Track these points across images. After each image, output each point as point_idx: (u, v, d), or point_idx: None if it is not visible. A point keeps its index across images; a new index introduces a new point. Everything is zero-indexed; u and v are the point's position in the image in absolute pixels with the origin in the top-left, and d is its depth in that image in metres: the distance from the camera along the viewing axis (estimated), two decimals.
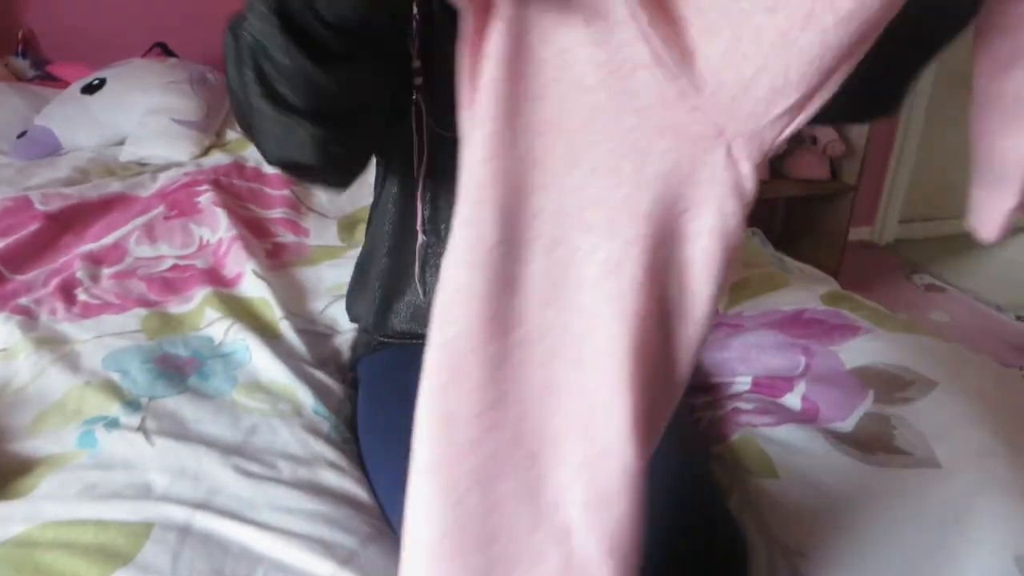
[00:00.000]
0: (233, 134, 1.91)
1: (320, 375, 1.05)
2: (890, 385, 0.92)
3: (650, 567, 0.58)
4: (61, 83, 2.07)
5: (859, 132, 2.85)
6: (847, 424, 0.90)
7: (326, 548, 0.76)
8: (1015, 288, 3.08)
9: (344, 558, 0.75)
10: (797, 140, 2.94)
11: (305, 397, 0.97)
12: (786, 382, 0.98)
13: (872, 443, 0.87)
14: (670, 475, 0.80)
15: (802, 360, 1.00)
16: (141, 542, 0.75)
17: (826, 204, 2.98)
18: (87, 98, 1.91)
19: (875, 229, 3.52)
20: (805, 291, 1.20)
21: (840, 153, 2.85)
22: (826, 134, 2.84)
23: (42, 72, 2.17)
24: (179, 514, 0.78)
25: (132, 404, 0.94)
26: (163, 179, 1.66)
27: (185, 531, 0.76)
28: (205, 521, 0.78)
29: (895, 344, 0.99)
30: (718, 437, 0.94)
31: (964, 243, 3.56)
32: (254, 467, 0.85)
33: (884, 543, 0.80)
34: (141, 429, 0.90)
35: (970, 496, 0.79)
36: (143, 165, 1.78)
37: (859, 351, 0.99)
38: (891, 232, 3.52)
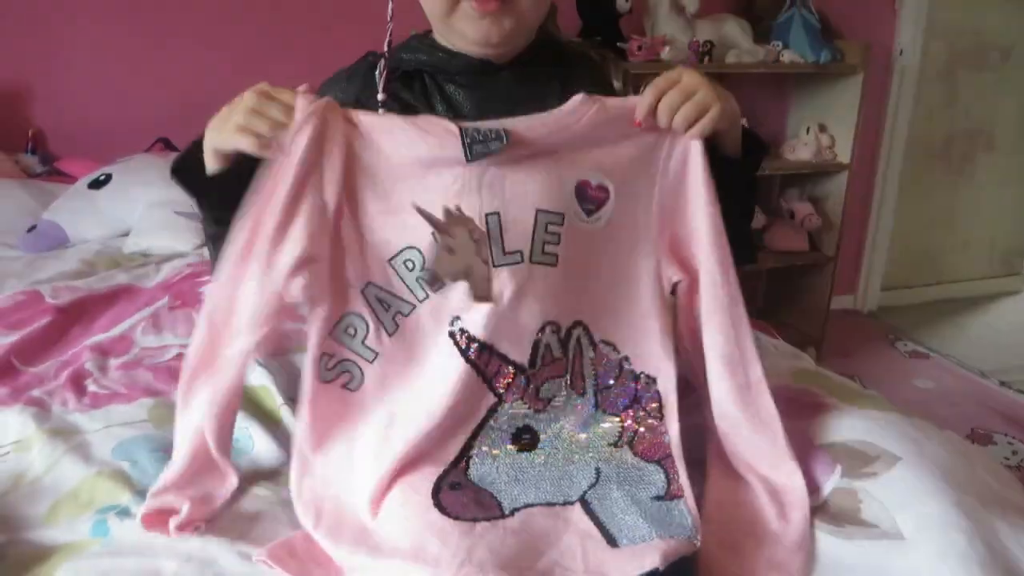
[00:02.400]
0: None
1: None
2: (857, 460, 0.98)
3: None
4: (69, 178, 2.16)
5: (835, 205, 2.97)
6: (818, 498, 0.96)
7: None
8: (998, 354, 3.14)
9: None
10: (775, 214, 3.05)
11: None
12: None
13: (841, 516, 0.93)
14: None
15: None
16: None
17: (807, 275, 3.08)
18: (93, 192, 2.00)
19: (858, 297, 3.60)
20: (777, 369, 1.26)
21: (816, 226, 2.96)
22: (802, 209, 2.95)
23: (50, 168, 2.26)
24: None
25: (142, 493, 0.98)
26: (167, 269, 1.74)
27: None
28: None
29: (862, 421, 1.05)
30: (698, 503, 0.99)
31: (947, 309, 3.64)
32: (257, 552, 0.90)
33: None
34: None
35: (931, 567, 0.84)
36: (147, 256, 1.86)
37: (828, 427, 1.05)
38: (874, 300, 3.61)
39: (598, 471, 0.95)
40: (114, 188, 1.99)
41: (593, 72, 1.15)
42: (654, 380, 0.99)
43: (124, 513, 0.96)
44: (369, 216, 0.92)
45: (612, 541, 0.86)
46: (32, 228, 1.95)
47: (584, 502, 0.91)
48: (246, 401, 1.22)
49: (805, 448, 1.02)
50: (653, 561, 0.81)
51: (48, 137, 2.34)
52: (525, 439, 0.97)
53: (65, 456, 1.07)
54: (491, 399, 0.95)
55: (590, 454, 0.97)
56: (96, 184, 2.01)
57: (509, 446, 0.96)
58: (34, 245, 1.91)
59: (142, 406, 1.21)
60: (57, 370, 1.33)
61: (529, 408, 0.96)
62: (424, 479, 0.91)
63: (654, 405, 0.99)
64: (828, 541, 0.90)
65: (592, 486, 0.93)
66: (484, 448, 0.95)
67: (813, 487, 0.97)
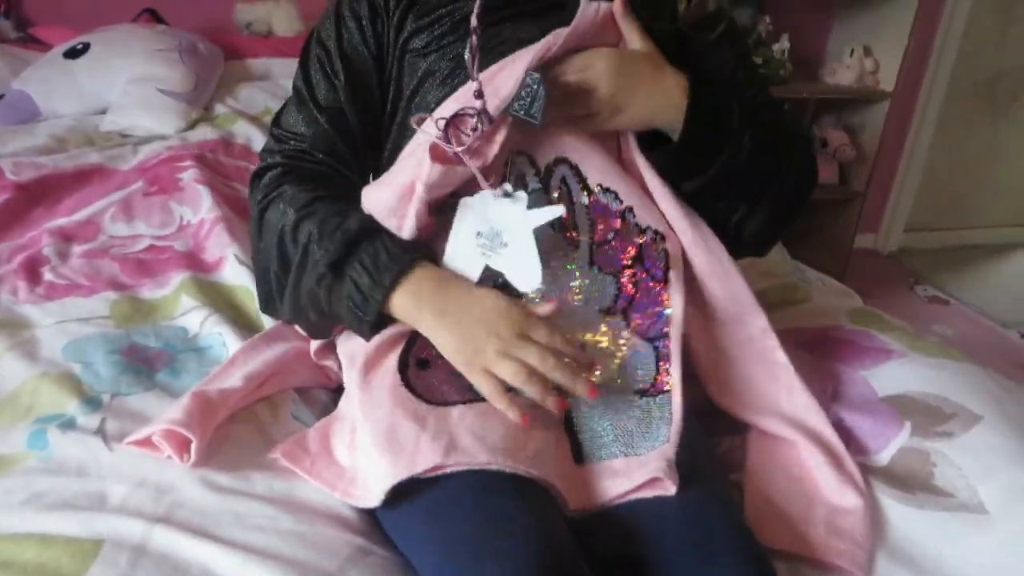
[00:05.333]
0: (222, 108, 1.81)
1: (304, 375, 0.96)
2: (929, 417, 0.84)
3: None
4: (44, 46, 1.96)
5: (870, 137, 2.77)
6: (881, 458, 0.82)
7: (300, 571, 0.68)
8: (1019, 305, 3.01)
9: None
10: None
11: (283, 401, 0.88)
12: None
13: (910, 480, 0.80)
14: (686, 505, 0.72)
15: (828, 386, 0.92)
16: (88, 562, 0.66)
17: (832, 210, 2.90)
18: (69, 63, 1.80)
19: (879, 236, 3.44)
20: (830, 308, 1.11)
21: (850, 158, 2.76)
22: (837, 138, 2.76)
23: (25, 34, 2.06)
24: (134, 530, 0.70)
25: (92, 401, 0.85)
26: (145, 152, 1.56)
27: (139, 551, 0.68)
28: (163, 538, 0.69)
29: (933, 371, 0.91)
30: (737, 464, 0.85)
31: (970, 255, 3.48)
32: (223, 479, 0.76)
33: None
34: (100, 432, 0.81)
35: (1019, 548, 0.71)
36: (125, 136, 1.68)
37: (892, 377, 0.91)
38: (895, 241, 3.45)
39: (583, 348, 0.79)
40: (92, 59, 1.79)
41: None
42: (663, 238, 0.83)
43: (68, 425, 0.82)
44: None
45: (578, 452, 0.78)
46: (0, 97, 1.76)
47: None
48: (222, 302, 1.08)
49: (867, 401, 0.88)
50: (621, 487, 0.74)
51: (24, 0, 2.12)
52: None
53: (7, 353, 0.93)
54: None
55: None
56: (72, 53, 1.81)
57: None
58: (2, 117, 1.72)
59: (104, 300, 1.06)
60: (11, 254, 1.18)
61: None
62: (391, 349, 0.80)
63: (660, 267, 0.82)
64: (894, 508, 0.77)
65: None
66: None
67: (875, 445, 0.83)
